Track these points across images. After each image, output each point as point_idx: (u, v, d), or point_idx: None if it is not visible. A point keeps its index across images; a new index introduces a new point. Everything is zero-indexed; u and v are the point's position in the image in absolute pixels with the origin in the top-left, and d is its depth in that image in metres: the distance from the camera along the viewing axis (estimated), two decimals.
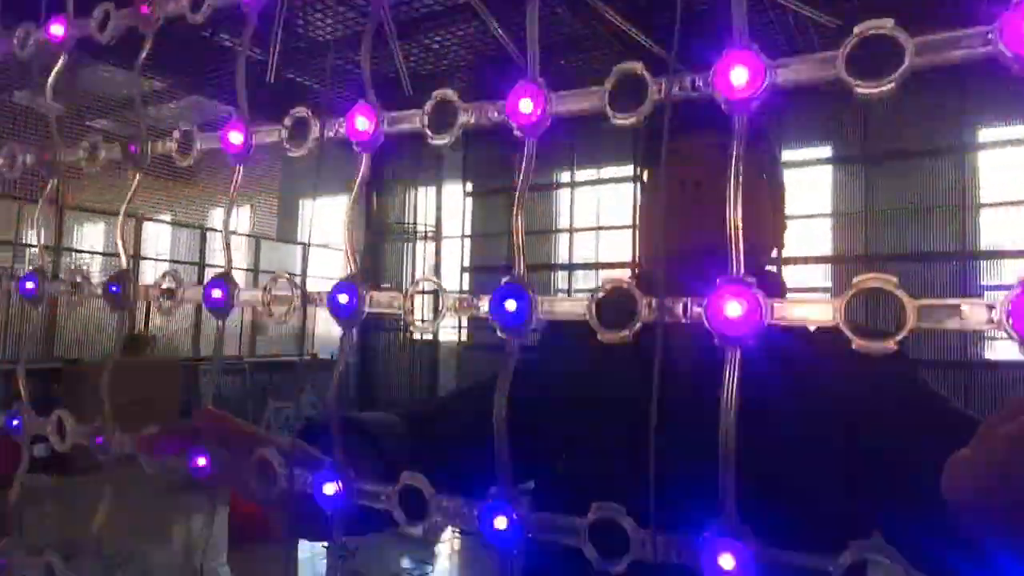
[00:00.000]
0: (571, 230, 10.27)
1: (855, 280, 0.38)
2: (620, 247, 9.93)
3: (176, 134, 0.58)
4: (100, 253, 10.06)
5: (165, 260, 10.54)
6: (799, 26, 7.29)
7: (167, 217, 11.05)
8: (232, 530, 4.52)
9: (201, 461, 0.55)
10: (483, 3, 6.08)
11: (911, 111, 8.30)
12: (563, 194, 10.58)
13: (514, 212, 0.46)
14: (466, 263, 11.18)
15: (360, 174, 0.51)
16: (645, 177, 0.97)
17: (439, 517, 0.45)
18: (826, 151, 9.22)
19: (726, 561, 0.36)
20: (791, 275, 9.40)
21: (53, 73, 0.69)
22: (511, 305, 0.41)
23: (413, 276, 12.43)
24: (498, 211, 11.14)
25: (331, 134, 0.50)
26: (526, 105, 0.39)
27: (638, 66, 0.37)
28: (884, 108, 8.41)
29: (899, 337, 0.37)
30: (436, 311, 0.47)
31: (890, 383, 0.76)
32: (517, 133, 0.41)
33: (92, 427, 0.61)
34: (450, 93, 0.40)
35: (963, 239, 8.15)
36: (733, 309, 0.38)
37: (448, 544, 5.07)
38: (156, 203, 10.31)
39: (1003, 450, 0.40)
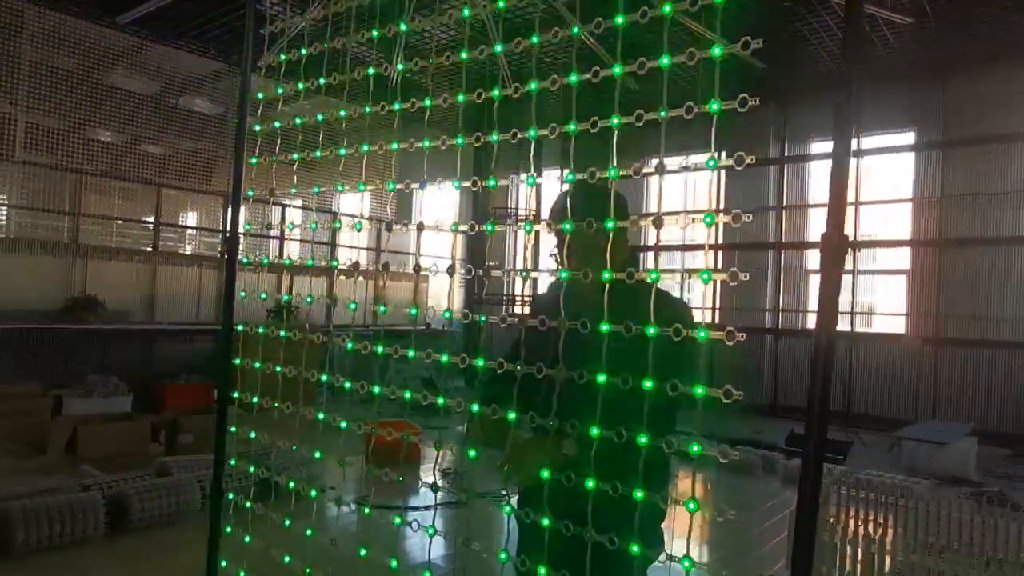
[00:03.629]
0: (659, 213, 11.01)
1: None
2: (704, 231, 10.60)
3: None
4: (245, 234, 11.78)
5: (298, 240, 12.11)
6: (871, 24, 7.72)
7: (298, 202, 12.64)
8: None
9: None
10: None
11: (992, 97, 8.51)
12: (653, 181, 11.35)
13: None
14: None
15: None
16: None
17: None
18: (909, 137, 9.48)
19: None
20: (881, 256, 9.89)
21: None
22: None
23: (515, 258, 13.57)
24: None
25: None
26: None
27: None
28: (965, 93, 8.67)
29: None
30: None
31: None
32: None
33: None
34: None
35: None
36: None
37: None
38: (288, 188, 11.85)
39: None
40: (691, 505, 1.20)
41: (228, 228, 2.24)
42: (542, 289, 2.21)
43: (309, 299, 2.16)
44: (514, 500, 1.66)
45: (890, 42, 8.12)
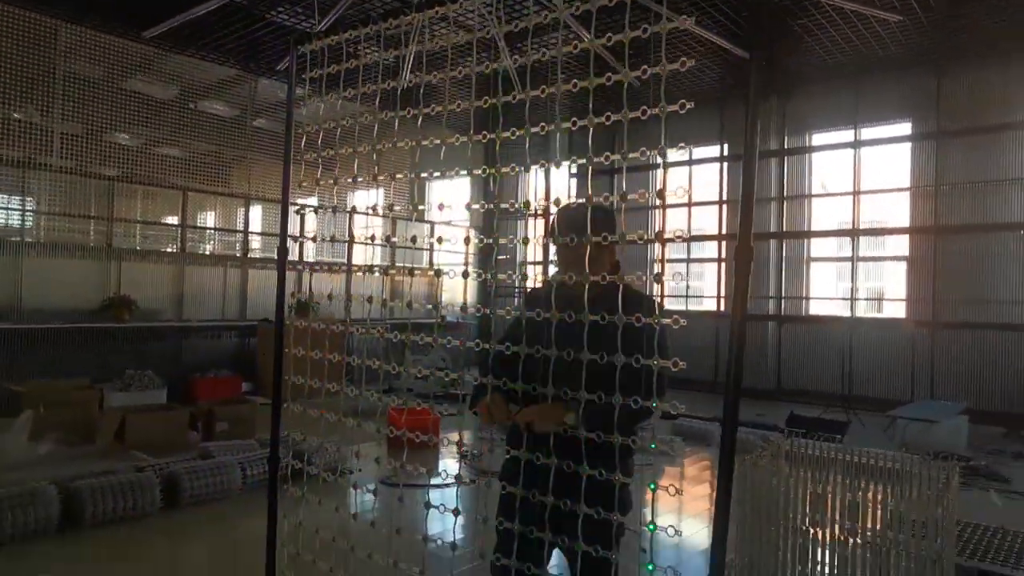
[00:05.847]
0: (664, 206, 11.34)
1: None
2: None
3: None
4: (261, 233, 12.24)
5: (312, 239, 12.53)
6: (861, 20, 8.00)
7: (313, 201, 13.08)
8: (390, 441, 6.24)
9: None
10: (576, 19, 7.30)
11: (984, 87, 8.79)
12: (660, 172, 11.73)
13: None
14: None
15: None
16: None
17: None
18: (905, 128, 9.76)
19: None
20: (888, 242, 10.18)
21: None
22: None
23: (525, 253, 13.96)
24: (601, 189, 12.40)
25: None
26: None
27: None
28: (958, 85, 8.95)
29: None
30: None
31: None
32: None
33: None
34: None
35: None
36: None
37: None
38: (303, 190, 12.26)
39: None
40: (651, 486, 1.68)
41: (279, 232, 2.64)
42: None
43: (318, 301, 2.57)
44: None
45: (882, 37, 8.41)
